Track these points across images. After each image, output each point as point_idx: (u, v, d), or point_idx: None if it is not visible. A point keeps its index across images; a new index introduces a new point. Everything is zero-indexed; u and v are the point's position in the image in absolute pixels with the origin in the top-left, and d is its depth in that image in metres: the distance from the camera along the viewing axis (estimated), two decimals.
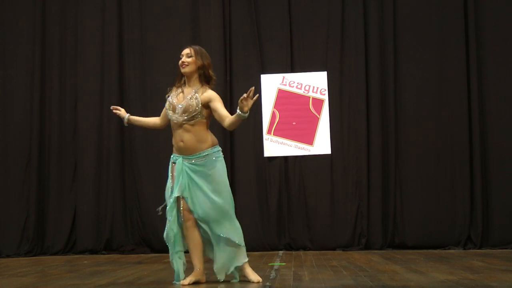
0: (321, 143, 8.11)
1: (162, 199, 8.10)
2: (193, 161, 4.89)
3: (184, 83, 5.04)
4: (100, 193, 8.26)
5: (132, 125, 5.49)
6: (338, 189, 8.12)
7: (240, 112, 4.62)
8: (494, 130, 8.06)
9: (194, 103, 4.87)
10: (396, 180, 8.07)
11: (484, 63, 8.11)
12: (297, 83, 8.16)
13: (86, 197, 8.24)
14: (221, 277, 4.92)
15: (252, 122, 8.09)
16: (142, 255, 7.87)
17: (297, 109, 8.15)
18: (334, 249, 7.96)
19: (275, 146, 8.14)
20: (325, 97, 8.16)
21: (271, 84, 8.14)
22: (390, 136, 8.12)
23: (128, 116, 5.32)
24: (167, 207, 4.95)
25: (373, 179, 8.07)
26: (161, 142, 8.23)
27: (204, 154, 4.89)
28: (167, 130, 8.22)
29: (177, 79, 5.09)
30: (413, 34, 8.23)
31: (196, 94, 4.91)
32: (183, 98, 4.92)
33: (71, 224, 8.22)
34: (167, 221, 4.92)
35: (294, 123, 8.15)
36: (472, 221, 7.92)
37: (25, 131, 8.32)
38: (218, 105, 4.89)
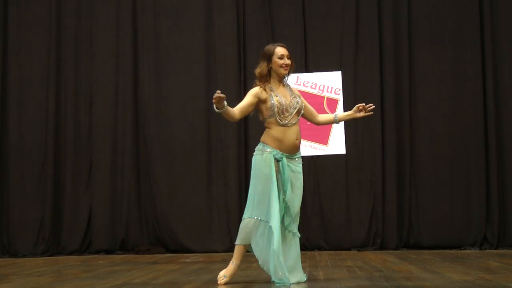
0: (336, 143, 8.07)
1: (177, 199, 8.18)
2: (296, 159, 4.97)
3: (268, 82, 4.99)
4: (115, 193, 8.29)
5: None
6: (353, 189, 8.10)
7: (337, 119, 5.18)
8: (510, 129, 8.00)
9: (300, 100, 5.00)
10: (411, 180, 8.03)
11: (500, 62, 8.06)
12: (312, 83, 8.13)
13: (102, 197, 8.27)
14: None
15: None
16: (157, 255, 7.89)
17: None
18: (349, 249, 7.94)
19: None
20: (340, 97, 8.13)
21: None
22: (405, 136, 8.09)
23: (226, 106, 4.69)
24: (274, 210, 4.75)
25: (388, 179, 8.04)
26: (176, 142, 8.27)
27: (300, 152, 5.05)
28: (183, 130, 8.28)
29: (265, 75, 4.97)
30: (428, 33, 8.19)
31: (296, 94, 5.06)
32: (289, 98, 4.96)
33: (86, 224, 8.25)
34: (279, 217, 4.77)
35: (308, 123, 8.07)
36: (488, 221, 7.87)
37: (40, 131, 8.36)
38: (305, 101, 5.15)
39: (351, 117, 5.19)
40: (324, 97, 8.14)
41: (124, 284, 5.03)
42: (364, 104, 5.11)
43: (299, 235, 4.98)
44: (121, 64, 8.46)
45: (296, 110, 4.95)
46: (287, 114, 4.90)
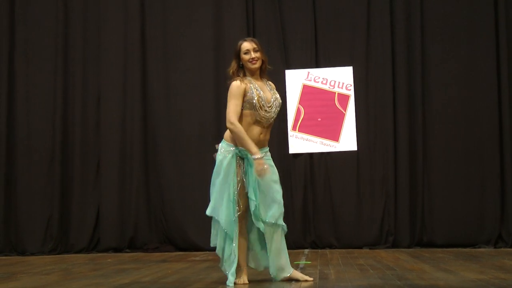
0: (347, 140, 8.00)
1: (186, 197, 8.12)
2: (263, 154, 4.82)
3: (244, 75, 4.90)
4: (123, 190, 8.25)
5: None
6: (364, 186, 8.02)
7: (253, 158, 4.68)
8: None
9: (279, 97, 4.93)
10: (424, 177, 7.94)
11: None
12: (322, 78, 8.06)
13: (110, 194, 8.23)
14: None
15: (276, 119, 7.95)
16: (166, 253, 7.86)
17: (322, 105, 8.05)
18: (360, 247, 7.86)
19: (300, 143, 8.04)
20: (351, 93, 8.05)
21: (296, 80, 8.04)
22: (418, 132, 8.00)
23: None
24: (234, 201, 4.69)
25: (400, 176, 7.95)
26: (185, 139, 8.23)
27: (267, 147, 4.92)
28: (192, 126, 8.23)
29: (236, 72, 4.88)
30: (441, 28, 8.09)
31: (274, 89, 4.96)
32: (269, 93, 4.87)
33: (94, 222, 8.23)
34: (231, 215, 4.68)
35: (319, 119, 8.04)
36: (503, 219, 7.78)
37: (48, 129, 8.34)
38: None
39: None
40: (335, 92, 8.06)
41: (132, 283, 4.98)
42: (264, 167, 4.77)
43: (284, 228, 4.81)
44: (129, 60, 8.42)
45: (275, 107, 4.85)
46: (267, 110, 4.80)
